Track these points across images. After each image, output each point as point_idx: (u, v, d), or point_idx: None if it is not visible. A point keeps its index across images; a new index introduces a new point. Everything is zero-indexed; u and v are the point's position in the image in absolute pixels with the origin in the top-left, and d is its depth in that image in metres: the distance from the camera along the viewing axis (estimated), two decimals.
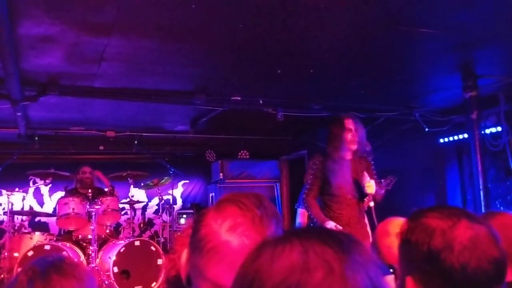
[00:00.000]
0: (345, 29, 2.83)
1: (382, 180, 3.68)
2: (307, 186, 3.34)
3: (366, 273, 0.56)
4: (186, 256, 0.95)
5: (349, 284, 0.54)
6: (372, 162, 3.40)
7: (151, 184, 5.39)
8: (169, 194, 6.06)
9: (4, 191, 4.87)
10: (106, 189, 4.98)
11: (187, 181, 6.44)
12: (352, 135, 3.23)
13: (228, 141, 5.78)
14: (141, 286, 4.26)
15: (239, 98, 4.15)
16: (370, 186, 3.15)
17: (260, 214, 0.93)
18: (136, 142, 5.46)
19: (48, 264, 1.18)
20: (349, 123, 3.29)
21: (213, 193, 5.37)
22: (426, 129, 4.60)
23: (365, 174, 3.20)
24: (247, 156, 5.75)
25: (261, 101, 4.24)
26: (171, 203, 5.99)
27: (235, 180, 5.43)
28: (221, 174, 5.45)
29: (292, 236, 0.60)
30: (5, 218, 5.09)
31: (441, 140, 4.78)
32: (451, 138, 4.70)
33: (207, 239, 0.89)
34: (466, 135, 4.29)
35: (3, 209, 5.23)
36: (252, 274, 0.58)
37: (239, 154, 5.76)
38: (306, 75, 3.74)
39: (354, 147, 3.25)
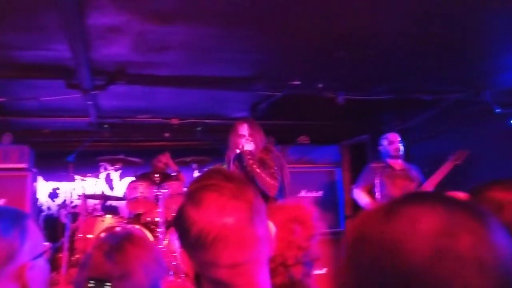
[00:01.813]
0: (407, 6, 2.73)
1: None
2: None
3: (506, 237, 0.55)
4: (185, 260, 0.97)
5: (496, 249, 0.53)
6: (273, 155, 3.43)
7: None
8: None
9: (77, 177, 5.18)
10: (172, 174, 5.17)
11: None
12: (245, 140, 3.34)
13: (287, 126, 5.77)
14: None
15: (298, 83, 4.13)
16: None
17: (234, 185, 0.96)
18: (199, 128, 5.59)
19: (120, 237, 1.25)
20: (243, 129, 3.41)
21: None
22: (497, 111, 4.36)
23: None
24: (307, 141, 5.72)
25: (320, 85, 4.19)
26: None
27: (295, 165, 5.41)
28: None
29: (428, 200, 0.59)
30: (79, 202, 5.43)
31: None
32: None
33: (205, 233, 0.91)
34: None
35: (77, 193, 5.55)
36: (388, 240, 0.56)
37: (299, 139, 5.74)
38: (366, 57, 3.65)
39: (250, 148, 3.32)
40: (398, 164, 4.47)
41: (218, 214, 0.91)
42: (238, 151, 3.38)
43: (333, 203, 5.41)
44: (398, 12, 2.80)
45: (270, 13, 2.79)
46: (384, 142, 4.56)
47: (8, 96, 4.14)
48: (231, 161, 3.41)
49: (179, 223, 0.97)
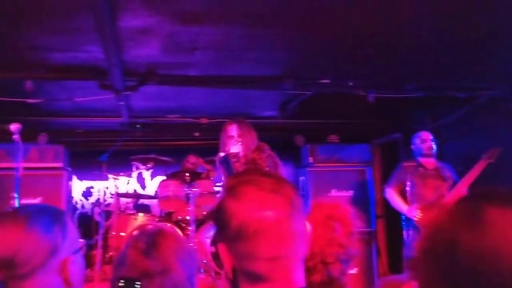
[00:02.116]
0: (439, 2, 2.67)
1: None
2: None
3: None
4: (224, 253, 0.98)
5: None
6: (266, 155, 3.33)
7: None
8: None
9: (110, 176, 5.29)
10: (202, 173, 5.21)
11: None
12: (235, 141, 3.25)
13: (317, 125, 5.74)
14: None
15: (328, 81, 4.10)
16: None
17: (273, 181, 0.98)
18: None
19: (154, 234, 1.26)
20: (232, 130, 3.30)
21: (303, 177, 5.39)
22: None
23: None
24: (337, 140, 5.68)
25: (351, 83, 4.15)
26: None
27: (324, 164, 5.39)
28: (310, 158, 5.44)
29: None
30: (112, 200, 5.55)
31: None
32: None
33: (245, 225, 0.93)
34: None
35: (110, 192, 5.67)
36: (484, 248, 0.55)
37: (329, 138, 5.70)
38: (397, 55, 3.59)
39: (236, 152, 3.23)
40: (430, 163, 4.38)
41: (258, 207, 0.93)
42: (222, 154, 3.30)
43: (364, 202, 5.35)
44: (430, 8, 2.75)
45: (299, 12, 2.78)
46: (417, 141, 4.47)
47: (44, 97, 4.27)
48: (219, 163, 3.34)
49: (219, 216, 0.99)
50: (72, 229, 1.17)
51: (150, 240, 1.23)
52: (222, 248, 0.98)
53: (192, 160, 5.23)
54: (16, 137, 3.11)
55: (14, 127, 3.10)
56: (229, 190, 0.99)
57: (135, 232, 4.68)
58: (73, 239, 1.17)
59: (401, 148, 5.64)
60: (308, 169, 5.41)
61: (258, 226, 0.92)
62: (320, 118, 5.54)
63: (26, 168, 3.42)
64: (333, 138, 5.65)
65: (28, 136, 3.86)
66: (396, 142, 5.86)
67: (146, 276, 1.15)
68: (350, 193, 5.35)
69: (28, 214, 1.09)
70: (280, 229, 0.93)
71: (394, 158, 5.49)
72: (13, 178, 3.28)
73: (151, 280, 1.15)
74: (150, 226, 4.59)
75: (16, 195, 3.10)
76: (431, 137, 4.43)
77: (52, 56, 3.44)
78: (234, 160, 3.24)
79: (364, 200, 5.37)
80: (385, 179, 4.87)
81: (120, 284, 1.16)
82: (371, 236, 5.23)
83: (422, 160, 4.40)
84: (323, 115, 5.43)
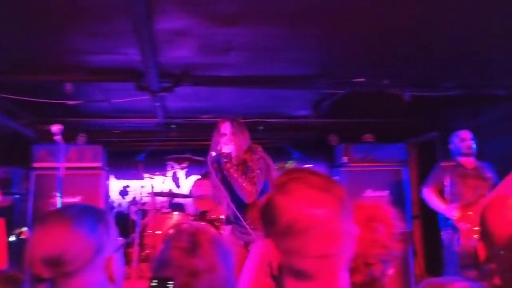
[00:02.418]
0: None
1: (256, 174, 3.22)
2: None
3: None
4: (270, 248, 0.98)
5: None
6: (258, 157, 3.18)
7: (276, 168, 5.54)
8: None
9: (146, 175, 5.40)
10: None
11: (311, 165, 6.48)
12: (227, 139, 3.14)
13: (351, 125, 5.68)
14: None
15: (363, 80, 4.05)
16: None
17: (323, 179, 0.98)
18: (261, 128, 5.63)
19: (194, 233, 1.27)
20: (225, 128, 3.18)
21: (338, 177, 5.33)
22: None
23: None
24: (372, 139, 5.60)
25: (386, 82, 4.08)
26: None
27: (359, 164, 5.32)
28: (345, 158, 5.38)
29: None
30: (147, 199, 5.66)
31: None
32: None
33: (295, 222, 0.93)
34: None
35: (146, 191, 5.78)
36: None
37: (363, 137, 5.63)
38: (434, 52, 3.51)
39: (228, 151, 3.13)
40: (470, 162, 4.26)
41: (309, 205, 0.94)
42: (214, 153, 3.21)
43: (400, 203, 5.25)
44: (468, 3, 2.67)
45: (335, 10, 2.76)
46: (455, 140, 4.36)
47: (82, 98, 4.38)
48: (210, 163, 3.24)
49: (267, 212, 0.99)
50: (113, 227, 1.20)
51: (193, 239, 1.24)
52: (268, 244, 0.98)
53: None
54: (58, 138, 3.21)
55: (56, 128, 3.19)
56: (279, 187, 1.00)
57: (171, 231, 4.76)
58: (115, 237, 1.21)
59: (438, 148, 5.52)
60: (342, 169, 5.35)
61: (309, 223, 0.92)
62: (354, 117, 5.48)
63: (66, 168, 3.52)
64: (368, 137, 5.58)
65: (67, 136, 3.98)
66: (432, 141, 5.74)
67: (194, 276, 1.17)
68: (386, 193, 5.26)
69: (73, 214, 1.13)
70: (330, 228, 0.94)
71: (430, 158, 5.38)
72: (54, 177, 3.39)
73: (200, 279, 1.16)
74: (185, 225, 4.66)
75: (58, 194, 3.19)
76: (471, 136, 4.32)
77: (91, 59, 3.53)
78: (225, 160, 3.14)
79: (400, 200, 5.28)
80: (422, 179, 4.77)
81: (153, 284, 1.17)
82: (408, 236, 5.14)
83: (461, 159, 4.29)
84: (357, 114, 5.37)
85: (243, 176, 3.13)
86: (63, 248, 1.07)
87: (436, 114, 5.28)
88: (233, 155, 3.18)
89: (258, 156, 3.21)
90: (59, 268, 1.05)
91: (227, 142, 3.17)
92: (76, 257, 1.07)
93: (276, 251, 0.97)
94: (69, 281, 1.06)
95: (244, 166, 3.18)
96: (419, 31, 3.11)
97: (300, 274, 0.94)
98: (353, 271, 1.00)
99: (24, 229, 4.63)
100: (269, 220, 0.98)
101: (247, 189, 3.10)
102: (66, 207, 1.20)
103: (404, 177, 5.39)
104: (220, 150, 3.16)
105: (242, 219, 3.11)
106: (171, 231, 4.69)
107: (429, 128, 5.69)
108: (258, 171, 3.16)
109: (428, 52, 3.52)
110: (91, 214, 1.17)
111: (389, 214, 1.37)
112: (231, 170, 3.12)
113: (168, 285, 1.16)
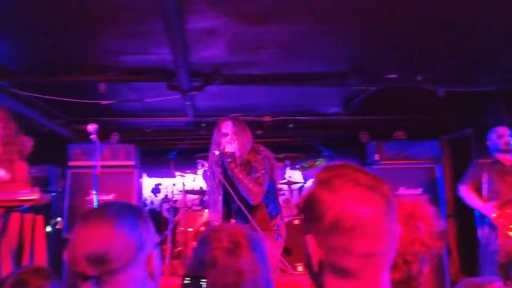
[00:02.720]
0: None
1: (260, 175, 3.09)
2: None
3: None
4: (312, 245, 0.97)
5: None
6: (261, 157, 3.07)
7: (306, 165, 5.54)
8: None
9: (177, 173, 5.47)
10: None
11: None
12: (230, 139, 3.05)
13: (382, 122, 5.60)
14: (302, 263, 4.42)
15: (394, 76, 3.98)
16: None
17: (369, 177, 0.97)
18: (291, 125, 5.62)
19: (234, 233, 1.26)
20: (226, 127, 3.09)
21: None
22: None
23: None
24: (404, 137, 5.50)
25: (419, 78, 4.00)
26: None
27: (391, 161, 5.24)
28: (376, 155, 5.31)
29: None
30: (179, 197, 5.73)
31: None
32: None
33: (342, 219, 0.92)
34: None
35: (178, 189, 5.85)
36: None
37: (395, 134, 5.53)
38: (469, 47, 3.42)
39: (231, 151, 3.02)
40: (508, 159, 4.14)
41: (356, 202, 0.93)
42: (217, 152, 3.09)
43: (434, 201, 5.15)
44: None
45: (366, 6, 2.72)
46: (493, 136, 4.24)
47: (115, 98, 4.47)
48: (212, 163, 3.14)
49: (310, 208, 0.98)
50: (152, 224, 1.22)
51: (234, 239, 1.23)
52: (310, 240, 0.98)
53: None
54: (93, 137, 3.27)
55: (91, 127, 3.25)
56: (323, 183, 0.98)
57: (202, 229, 4.80)
58: (154, 234, 1.23)
59: (473, 144, 5.37)
60: (374, 166, 5.28)
61: (356, 221, 0.91)
62: (386, 114, 5.40)
63: (101, 166, 3.59)
64: (400, 134, 5.48)
65: (101, 135, 4.06)
66: (467, 138, 5.59)
67: (240, 276, 1.17)
68: (419, 191, 5.16)
69: (114, 212, 1.16)
70: (377, 227, 0.93)
71: (465, 155, 5.24)
72: (89, 176, 3.46)
73: (245, 280, 1.17)
74: (216, 223, 4.70)
75: (94, 192, 3.26)
76: (509, 132, 4.19)
77: (124, 59, 3.60)
78: (229, 160, 3.04)
79: (434, 198, 5.16)
80: (456, 177, 4.66)
81: (186, 282, 1.17)
82: (442, 235, 5.03)
83: (499, 156, 4.16)
84: (389, 110, 5.29)
85: (248, 176, 3.04)
86: (107, 246, 1.09)
87: (471, 110, 5.15)
88: (237, 154, 3.08)
89: (262, 156, 3.11)
90: (103, 266, 1.08)
91: (230, 142, 3.08)
92: (120, 254, 1.09)
93: (318, 248, 0.96)
94: (113, 278, 1.08)
95: (248, 167, 3.08)
96: (454, 26, 3.04)
97: (342, 272, 0.93)
98: (391, 268, 0.99)
99: (59, 219, 4.77)
100: (312, 216, 0.97)
101: (253, 191, 3.00)
102: (105, 205, 1.22)
103: (438, 174, 5.27)
104: (224, 149, 3.08)
105: (251, 219, 2.97)
106: (202, 228, 4.75)
107: (464, 124, 5.55)
108: (263, 171, 3.05)
109: (462, 47, 3.44)
110: (131, 211, 1.19)
111: (429, 212, 1.36)
112: (236, 171, 3.03)
113: (201, 283, 1.16)
